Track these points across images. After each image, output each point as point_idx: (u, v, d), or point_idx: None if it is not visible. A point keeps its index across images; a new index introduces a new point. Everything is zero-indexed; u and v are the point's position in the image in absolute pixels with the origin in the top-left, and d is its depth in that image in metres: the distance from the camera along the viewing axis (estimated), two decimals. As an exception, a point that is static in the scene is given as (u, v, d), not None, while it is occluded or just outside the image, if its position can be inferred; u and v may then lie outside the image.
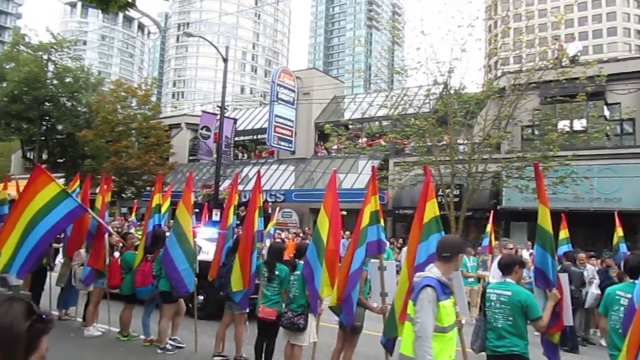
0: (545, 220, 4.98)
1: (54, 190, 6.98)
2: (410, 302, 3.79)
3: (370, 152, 21.13)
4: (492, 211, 14.09)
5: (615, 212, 12.71)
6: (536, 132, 19.62)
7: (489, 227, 12.44)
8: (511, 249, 9.17)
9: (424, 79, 18.47)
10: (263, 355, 6.97)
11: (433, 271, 3.83)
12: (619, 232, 12.08)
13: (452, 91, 18.20)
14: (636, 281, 4.55)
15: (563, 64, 19.24)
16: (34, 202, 6.77)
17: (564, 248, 11.26)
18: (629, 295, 4.53)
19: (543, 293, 5.01)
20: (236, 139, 30.48)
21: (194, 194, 20.84)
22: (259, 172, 8.95)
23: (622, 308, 4.65)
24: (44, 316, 1.30)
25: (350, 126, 26.68)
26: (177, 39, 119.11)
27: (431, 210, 5.02)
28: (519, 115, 17.52)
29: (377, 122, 22.74)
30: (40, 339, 1.29)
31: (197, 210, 15.91)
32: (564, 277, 5.10)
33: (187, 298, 8.29)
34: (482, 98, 17.82)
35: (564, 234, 11.75)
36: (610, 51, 73.76)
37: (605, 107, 20.83)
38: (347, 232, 15.93)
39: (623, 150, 19.87)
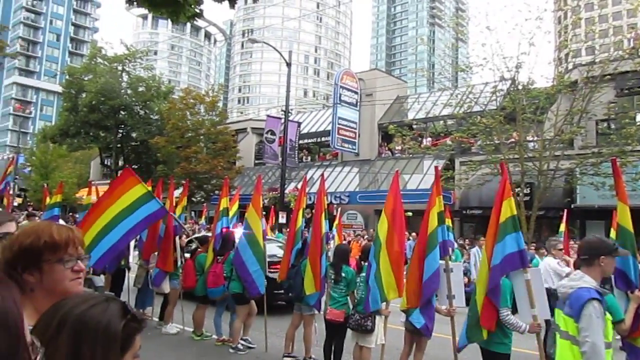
0: (625, 219, 4.75)
1: (140, 191, 7.27)
2: (569, 319, 3.31)
3: (435, 152, 20.83)
4: (565, 210, 13.53)
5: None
6: (612, 126, 18.68)
7: (562, 227, 11.97)
8: (561, 249, 8.79)
9: (490, 76, 18.02)
10: (332, 356, 7.02)
11: (586, 280, 3.37)
12: None
13: (520, 87, 17.64)
14: None
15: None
16: (121, 200, 7.04)
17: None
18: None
19: (625, 295, 4.77)
20: (300, 142, 30.85)
21: (262, 197, 21.33)
22: (322, 174, 9.01)
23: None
24: (137, 316, 1.38)
25: (414, 126, 26.38)
26: (242, 46, 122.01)
27: (508, 209, 4.88)
28: (593, 109, 16.72)
29: (441, 122, 22.39)
30: (134, 338, 1.37)
31: (264, 213, 16.22)
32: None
33: (258, 299, 8.49)
34: (553, 93, 17.16)
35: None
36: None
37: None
38: (414, 234, 15.77)
39: None
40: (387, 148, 28.61)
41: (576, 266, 5.27)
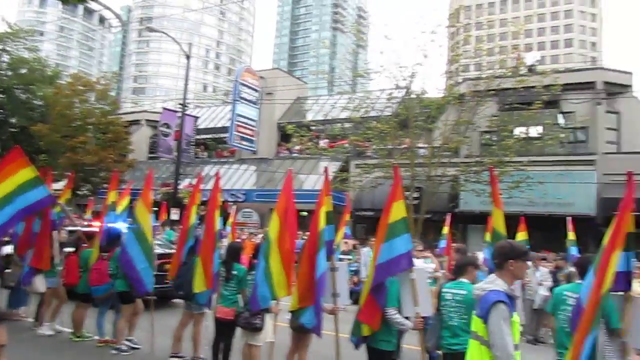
0: (499, 223, 5.14)
1: (28, 174, 6.71)
2: (478, 320, 3.42)
3: (331, 154, 21.25)
4: (449, 214, 14.40)
5: (568, 218, 13.19)
6: (494, 138, 20.11)
7: (445, 230, 12.70)
8: (421, 250, 9.54)
9: (387, 83, 18.89)
10: (220, 355, 6.93)
11: (498, 283, 3.46)
12: (571, 235, 12.53)
13: (413, 95, 18.48)
14: (584, 281, 4.74)
15: (521, 72, 19.76)
16: (6, 183, 6.46)
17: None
18: (576, 296, 4.71)
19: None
20: (197, 137, 30.12)
21: (153, 192, 20.54)
22: (218, 171, 8.87)
23: (569, 308, 4.84)
24: None
25: (312, 127, 26.77)
26: (139, 34, 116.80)
27: (398, 211, 5.08)
28: (478, 121, 17.92)
29: (339, 124, 22.91)
30: None
31: (155, 208, 15.65)
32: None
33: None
34: (443, 103, 18.17)
35: (522, 236, 12.17)
36: (566, 62, 76.18)
37: (560, 115, 21.54)
38: (308, 233, 15.97)
39: (576, 157, 20.60)
40: (285, 148, 28.77)
41: (449, 269, 5.62)
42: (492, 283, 3.47)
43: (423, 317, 5.23)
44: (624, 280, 4.52)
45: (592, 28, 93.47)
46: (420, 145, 19.33)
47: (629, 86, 22.13)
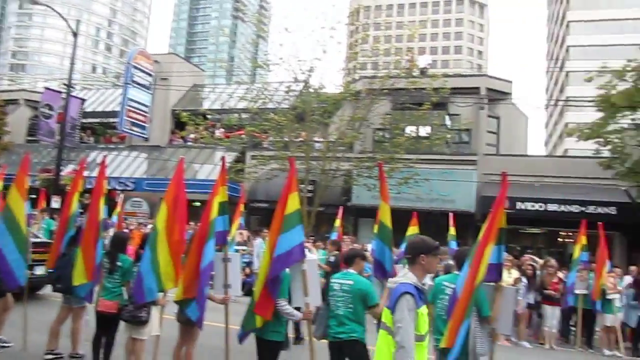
0: (385, 216, 5.36)
1: None
2: (386, 310, 3.54)
3: (227, 144, 20.94)
4: (342, 207, 14.78)
5: (450, 213, 14.14)
6: (386, 135, 20.89)
7: (337, 222, 13.03)
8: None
9: (285, 75, 18.91)
10: (102, 351, 6.60)
11: (408, 276, 3.59)
12: (452, 230, 13.39)
13: (311, 90, 18.71)
14: (456, 272, 5.10)
15: (413, 74, 20.66)
16: None
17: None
18: (453, 286, 5.05)
19: (381, 283, 5.38)
20: (83, 121, 28.27)
21: (31, 178, 19.03)
22: (104, 157, 8.38)
23: (446, 297, 5.18)
24: None
25: (208, 116, 26.11)
26: (20, 6, 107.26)
27: (293, 203, 5.11)
28: (372, 118, 18.50)
29: (236, 114, 22.59)
30: None
31: (33, 196, 14.52)
32: (399, 268, 5.54)
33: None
34: (339, 99, 18.54)
35: (412, 230, 12.93)
36: (455, 67, 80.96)
37: (447, 117, 22.81)
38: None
39: (459, 157, 21.96)
40: (179, 136, 27.86)
41: (342, 259, 5.79)
42: (404, 277, 3.61)
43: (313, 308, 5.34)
44: (495, 271, 4.92)
45: (479, 37, 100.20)
46: (316, 139, 19.60)
47: (509, 93, 23.97)
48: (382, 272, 5.33)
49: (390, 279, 3.86)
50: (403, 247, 12.70)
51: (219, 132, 24.41)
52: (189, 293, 5.67)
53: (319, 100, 18.56)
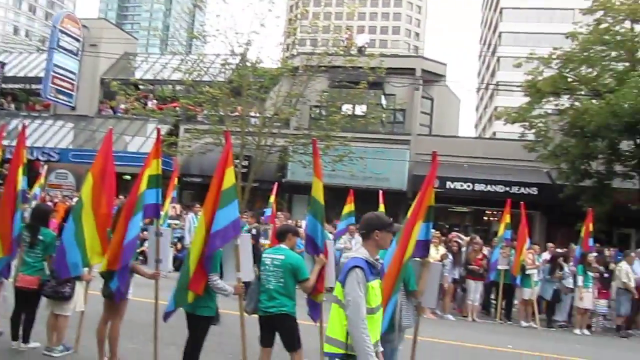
0: (318, 192, 5.39)
1: None
2: (338, 284, 3.55)
3: (160, 116, 20.32)
4: (276, 183, 14.76)
5: (380, 191, 14.41)
6: (322, 113, 20.94)
7: (272, 199, 13.02)
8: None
9: (222, 48, 18.45)
10: (21, 328, 6.32)
11: (361, 251, 3.62)
12: (381, 208, 13.69)
13: (248, 64, 18.40)
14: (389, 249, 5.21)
15: (351, 52, 20.75)
16: None
17: (350, 220, 12.77)
18: (382, 261, 5.17)
19: (312, 258, 5.44)
20: (3, 86, 26.58)
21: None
22: (24, 125, 7.85)
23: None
24: None
25: (140, 87, 25.22)
26: None
27: (230, 178, 5.03)
28: (309, 95, 18.46)
29: (170, 86, 21.92)
30: None
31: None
32: (330, 244, 5.61)
33: None
34: (276, 74, 18.34)
35: (349, 208, 13.33)
36: (393, 47, 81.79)
37: (382, 97, 23.13)
38: (130, 197, 15.18)
39: (394, 136, 22.39)
40: (108, 106, 26.72)
41: (274, 236, 5.80)
42: (357, 251, 3.67)
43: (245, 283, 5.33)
44: (423, 247, 5.07)
45: (417, 19, 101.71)
46: (252, 114, 19.39)
47: (443, 76, 24.58)
48: (314, 247, 5.39)
49: (344, 254, 3.88)
50: (342, 224, 12.97)
51: (151, 104, 23.63)
52: (113, 265, 5.49)
53: (255, 75, 18.29)
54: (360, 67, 17.92)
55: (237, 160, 17.41)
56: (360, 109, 21.34)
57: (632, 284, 12.05)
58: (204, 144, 18.02)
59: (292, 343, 5.31)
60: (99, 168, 5.85)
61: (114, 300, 5.78)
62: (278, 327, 5.27)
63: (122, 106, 25.27)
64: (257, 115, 19.21)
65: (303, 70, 18.24)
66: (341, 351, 3.45)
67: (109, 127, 6.64)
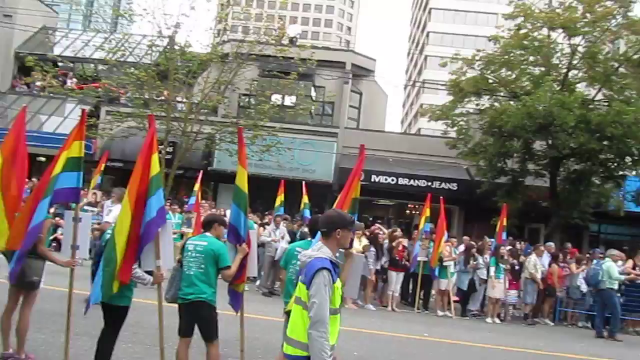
0: (242, 181, 5.34)
1: None
2: (302, 285, 3.41)
3: (80, 96, 19.34)
4: (201, 171, 14.49)
5: (304, 182, 14.56)
6: (252, 102, 20.77)
7: (196, 187, 12.79)
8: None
9: (149, 29, 17.84)
10: None
11: (324, 250, 3.47)
12: (305, 199, 13.84)
13: (176, 47, 17.91)
14: (313, 240, 5.27)
15: (282, 42, 20.65)
16: None
17: (280, 210, 13.45)
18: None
19: (234, 247, 5.39)
20: None
21: None
22: None
23: (299, 262, 5.32)
24: None
25: (59, 64, 23.88)
26: None
27: (155, 164, 4.87)
28: (238, 83, 18.24)
29: (91, 65, 20.92)
30: None
31: None
32: (253, 234, 5.58)
33: None
34: (205, 60, 17.96)
35: (280, 199, 13.63)
36: (324, 40, 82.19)
37: (312, 89, 23.23)
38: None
39: (322, 128, 22.55)
40: (23, 82, 25.11)
41: (197, 225, 5.70)
42: (319, 251, 3.51)
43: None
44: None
45: (349, 13, 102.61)
46: (178, 99, 18.90)
47: (373, 71, 25.01)
48: (236, 237, 5.34)
49: (304, 253, 3.69)
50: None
51: (70, 82, 22.45)
52: (13, 245, 5.12)
53: (184, 59, 17.84)
54: (291, 58, 17.89)
55: (162, 146, 16.95)
56: (289, 100, 21.33)
57: (539, 276, 12.88)
58: (127, 128, 17.38)
59: (210, 332, 5.24)
60: (9, 148, 5.48)
61: (25, 288, 5.48)
62: (196, 314, 5.19)
63: (38, 83, 23.80)
64: (184, 100, 18.75)
65: (233, 57, 17.98)
66: (305, 354, 3.32)
67: (22, 105, 6.24)
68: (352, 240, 5.33)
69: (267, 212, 15.82)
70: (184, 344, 5.28)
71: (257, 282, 13.19)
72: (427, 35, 70.75)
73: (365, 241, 12.47)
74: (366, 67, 24.41)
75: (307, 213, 13.41)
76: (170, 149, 18.11)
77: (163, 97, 17.81)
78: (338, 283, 3.49)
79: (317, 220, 5.76)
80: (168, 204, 14.05)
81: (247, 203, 5.40)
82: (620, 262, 12.71)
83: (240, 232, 5.31)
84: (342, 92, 22.93)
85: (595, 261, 13.47)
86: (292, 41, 22.51)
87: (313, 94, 23.22)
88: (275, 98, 20.33)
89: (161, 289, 5.22)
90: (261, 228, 13.69)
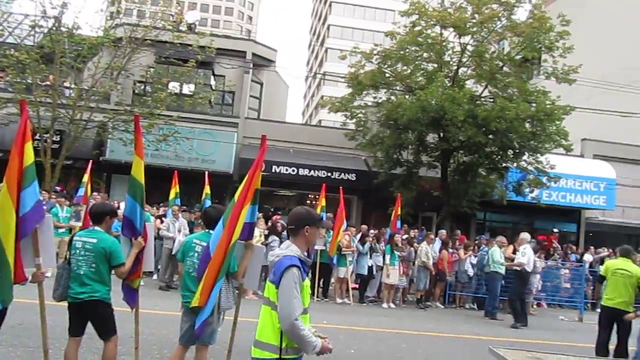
0: (138, 172, 5.10)
1: None
2: (271, 285, 3.30)
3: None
4: (91, 161, 13.72)
5: (206, 172, 14.37)
6: (147, 89, 19.94)
7: (85, 178, 12.14)
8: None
9: (32, 8, 16.54)
10: None
11: (292, 249, 3.39)
12: (207, 189, 13.60)
13: (63, 29, 16.74)
14: (211, 231, 5.18)
15: (180, 28, 19.98)
16: None
17: (176, 202, 13.19)
18: (204, 243, 5.10)
19: (129, 241, 5.15)
20: None
21: None
22: None
23: (196, 254, 5.21)
24: None
25: None
26: None
27: (30, 153, 4.48)
28: (132, 69, 17.44)
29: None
30: None
31: None
32: (149, 227, 5.37)
33: None
34: (96, 44, 16.95)
35: (174, 190, 13.26)
36: (225, 28, 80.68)
37: (212, 77, 22.74)
38: None
39: (222, 118, 22.14)
40: None
41: (86, 218, 5.38)
42: (287, 249, 3.42)
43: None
44: (248, 230, 5.11)
45: (251, 2, 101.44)
46: (66, 84, 17.70)
47: (273, 61, 24.89)
48: (132, 230, 5.09)
49: (272, 252, 3.55)
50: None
51: None
52: None
53: (72, 42, 16.72)
54: (189, 45, 17.38)
55: (47, 135, 15.86)
56: (188, 88, 20.75)
57: (430, 262, 13.61)
58: (7, 114, 16.00)
59: (106, 330, 5.01)
60: None
61: None
62: (90, 314, 4.92)
63: None
64: (72, 86, 17.59)
65: (127, 42, 17.13)
66: (274, 356, 3.25)
67: None
68: (252, 231, 5.31)
69: (160, 204, 15.37)
70: (74, 343, 5.00)
71: (155, 277, 12.81)
72: (328, 28, 71.84)
73: (264, 232, 12.50)
74: (267, 57, 24.27)
75: (208, 204, 13.18)
76: (57, 138, 16.94)
77: (48, 82, 16.60)
78: (307, 282, 3.45)
79: (208, 212, 5.69)
80: (54, 196, 13.24)
81: (143, 195, 5.17)
82: (504, 248, 13.80)
83: (136, 225, 5.08)
84: (243, 81, 22.63)
85: (482, 247, 14.52)
86: (190, 28, 21.83)
87: (212, 82, 22.75)
88: (173, 86, 19.70)
89: (42, 288, 4.85)
90: (158, 220, 13.29)
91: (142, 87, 20.58)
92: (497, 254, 13.12)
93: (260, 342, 3.30)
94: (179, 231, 12.29)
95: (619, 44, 29.24)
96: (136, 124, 5.35)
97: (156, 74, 19.06)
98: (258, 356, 3.28)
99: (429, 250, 13.77)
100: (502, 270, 13.03)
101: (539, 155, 18.03)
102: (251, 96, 23.62)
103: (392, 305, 13.29)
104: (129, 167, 5.30)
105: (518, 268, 12.37)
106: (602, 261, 14.89)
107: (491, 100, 18.47)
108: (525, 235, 12.97)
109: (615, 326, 8.15)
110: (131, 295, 5.27)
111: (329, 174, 20.31)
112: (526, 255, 12.33)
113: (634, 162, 22.79)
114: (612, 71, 26.46)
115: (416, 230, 17.12)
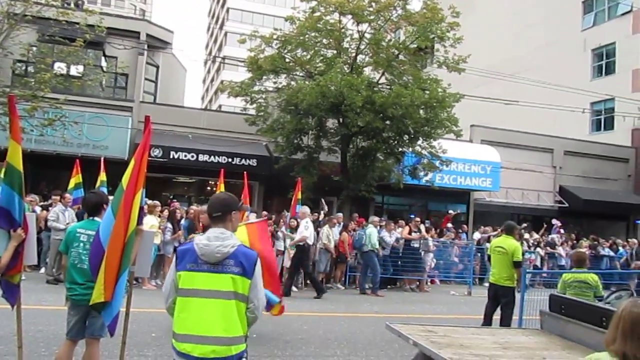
0: (15, 158, 4.69)
1: None
2: (238, 277, 3.26)
3: None
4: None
5: (102, 158, 13.69)
6: (29, 69, 18.48)
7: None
8: None
9: None
10: None
11: (235, 237, 3.38)
12: (102, 176, 12.96)
13: None
14: (96, 218, 4.92)
15: (66, 5, 18.63)
16: None
17: (78, 193, 12.78)
18: (90, 232, 4.84)
19: (7, 233, 4.74)
20: None
21: None
22: None
23: (82, 244, 4.93)
24: None
25: None
26: None
27: None
28: (11, 47, 16.03)
29: None
30: None
31: None
32: (30, 217, 4.99)
33: None
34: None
35: (75, 180, 13.07)
36: (117, 7, 76.39)
37: (103, 58, 21.50)
38: None
39: (114, 102, 21.04)
40: None
41: None
42: (231, 237, 3.33)
43: None
44: (139, 215, 4.91)
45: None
46: None
47: (170, 44, 23.96)
48: (10, 221, 4.66)
49: (222, 244, 3.27)
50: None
51: None
52: None
53: None
54: (76, 23, 16.26)
55: None
56: (76, 70, 19.46)
57: (332, 245, 13.90)
58: None
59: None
60: None
61: None
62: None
63: None
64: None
65: (3, 17, 15.70)
66: (245, 345, 3.31)
67: None
68: (142, 216, 5.11)
69: (51, 192, 14.40)
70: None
71: (42, 270, 12.04)
72: (227, 11, 70.37)
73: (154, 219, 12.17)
74: (163, 39, 23.31)
75: (105, 191, 12.58)
76: None
77: None
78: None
79: (89, 199, 5.43)
80: None
81: (22, 183, 4.76)
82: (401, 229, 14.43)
83: (15, 215, 4.67)
84: (137, 63, 21.61)
85: (360, 228, 15.14)
86: (77, 5, 20.43)
87: (104, 64, 21.53)
88: (59, 67, 18.40)
89: None
90: (44, 211, 12.47)
91: (23, 67, 19.02)
92: (374, 235, 13.89)
93: (229, 337, 3.21)
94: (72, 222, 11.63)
95: (503, 36, 31.40)
96: (10, 105, 4.86)
97: (39, 53, 17.69)
98: (236, 352, 3.22)
99: (330, 233, 14.05)
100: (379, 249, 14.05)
101: (432, 140, 18.90)
102: (146, 79, 22.67)
103: (295, 289, 13.43)
104: (4, 153, 4.87)
105: (301, 243, 12.62)
106: (489, 239, 16.00)
107: (388, 87, 19.06)
108: (305, 209, 13.25)
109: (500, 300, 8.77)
110: (11, 292, 4.85)
111: (230, 160, 20.02)
112: (309, 229, 12.72)
113: (516, 147, 24.63)
114: (497, 62, 28.37)
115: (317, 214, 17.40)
